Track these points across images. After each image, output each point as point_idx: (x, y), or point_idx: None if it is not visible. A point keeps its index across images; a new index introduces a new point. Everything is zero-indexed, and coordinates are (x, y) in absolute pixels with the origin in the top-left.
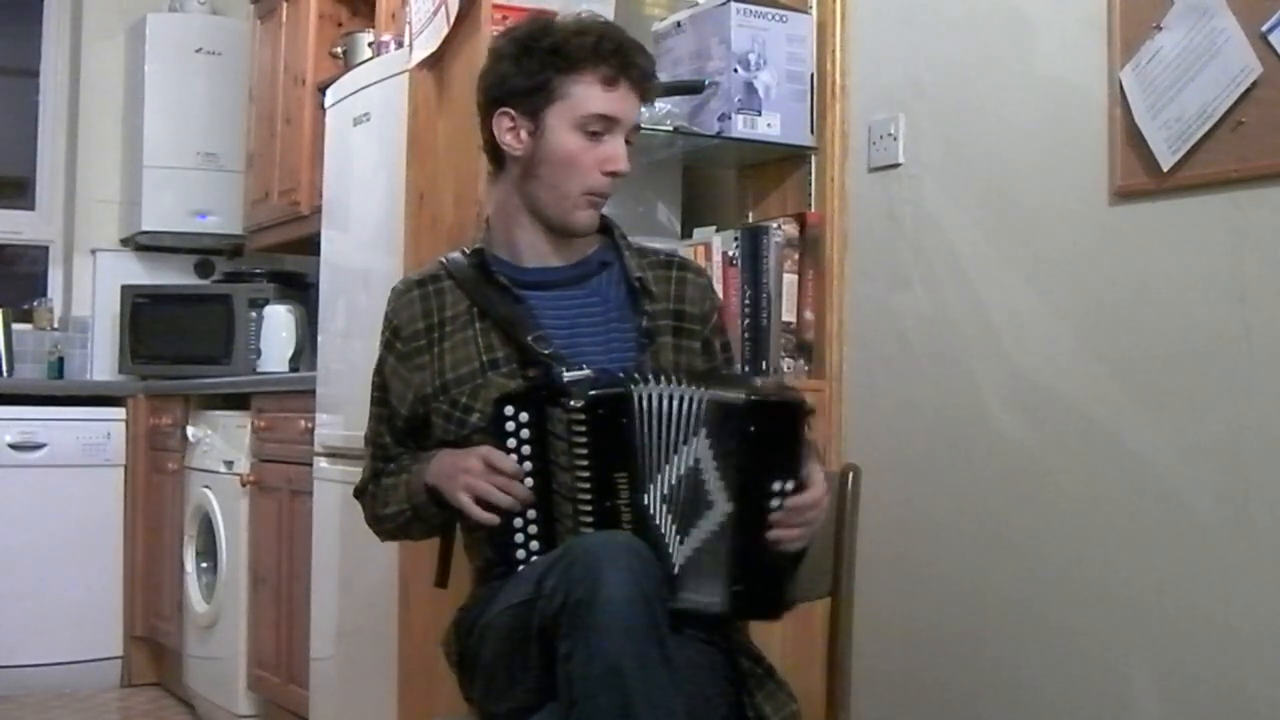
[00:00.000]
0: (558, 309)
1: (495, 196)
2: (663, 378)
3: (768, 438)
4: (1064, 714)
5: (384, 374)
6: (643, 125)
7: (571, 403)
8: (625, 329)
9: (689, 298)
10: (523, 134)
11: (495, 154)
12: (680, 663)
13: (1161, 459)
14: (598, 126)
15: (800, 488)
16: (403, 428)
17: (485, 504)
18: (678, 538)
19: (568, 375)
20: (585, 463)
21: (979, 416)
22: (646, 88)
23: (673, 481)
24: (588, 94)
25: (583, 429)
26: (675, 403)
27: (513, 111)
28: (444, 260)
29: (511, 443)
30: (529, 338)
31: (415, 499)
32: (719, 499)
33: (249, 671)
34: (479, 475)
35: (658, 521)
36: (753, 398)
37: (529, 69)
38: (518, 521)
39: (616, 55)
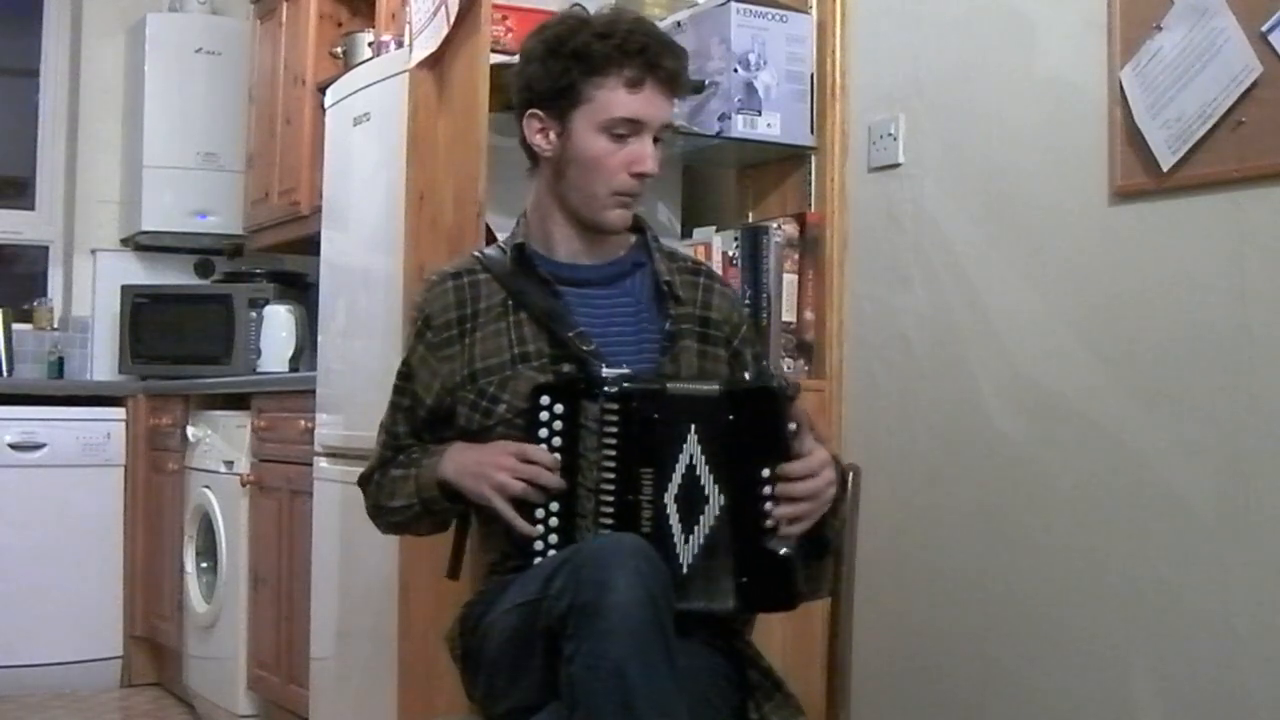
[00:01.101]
0: (591, 306)
1: (532, 193)
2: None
3: (748, 426)
4: (1064, 713)
5: (411, 363)
6: None
7: (606, 389)
8: (654, 330)
9: (715, 305)
10: (551, 135)
11: (529, 152)
12: (684, 666)
13: (1162, 458)
14: (623, 129)
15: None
16: (424, 418)
17: (519, 505)
18: (684, 537)
19: (606, 371)
20: (613, 453)
21: (979, 416)
22: (675, 87)
23: (680, 481)
24: (612, 98)
25: (614, 420)
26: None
27: (541, 113)
28: (479, 254)
29: (544, 433)
30: (570, 333)
31: (425, 493)
32: (713, 494)
33: (249, 671)
34: (511, 472)
35: (672, 523)
36: (725, 388)
37: (554, 72)
38: (539, 513)
39: (641, 56)
